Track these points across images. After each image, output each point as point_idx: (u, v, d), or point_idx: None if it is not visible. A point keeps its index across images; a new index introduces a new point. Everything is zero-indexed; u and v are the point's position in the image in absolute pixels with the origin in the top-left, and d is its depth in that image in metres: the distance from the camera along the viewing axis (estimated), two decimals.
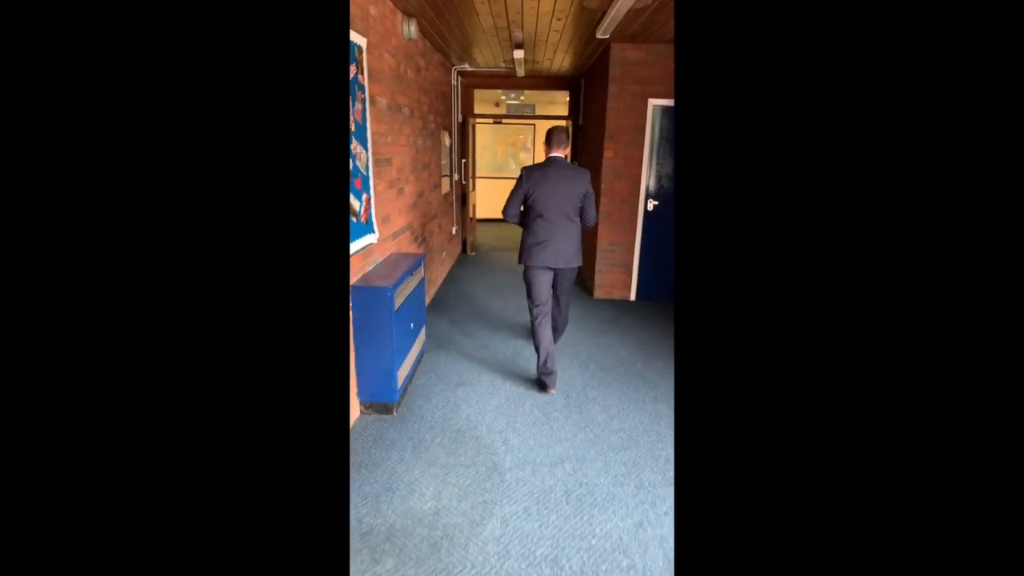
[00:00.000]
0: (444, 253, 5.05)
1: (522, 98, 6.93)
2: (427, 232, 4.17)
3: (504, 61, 4.99)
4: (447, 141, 5.13)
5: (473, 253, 6.36)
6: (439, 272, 4.85)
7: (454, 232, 5.60)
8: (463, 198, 6.24)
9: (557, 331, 2.91)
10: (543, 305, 2.68)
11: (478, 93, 6.92)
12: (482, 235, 7.59)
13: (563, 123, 6.38)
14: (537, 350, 2.70)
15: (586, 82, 5.54)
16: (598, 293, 4.55)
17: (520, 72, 5.21)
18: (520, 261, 2.67)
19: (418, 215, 3.83)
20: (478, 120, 7.56)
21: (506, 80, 6.16)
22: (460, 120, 5.86)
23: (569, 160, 3.99)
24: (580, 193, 2.56)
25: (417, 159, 3.73)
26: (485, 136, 8.63)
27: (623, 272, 4.49)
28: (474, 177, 6.62)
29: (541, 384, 2.75)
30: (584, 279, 5.06)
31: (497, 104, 8.49)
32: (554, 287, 2.72)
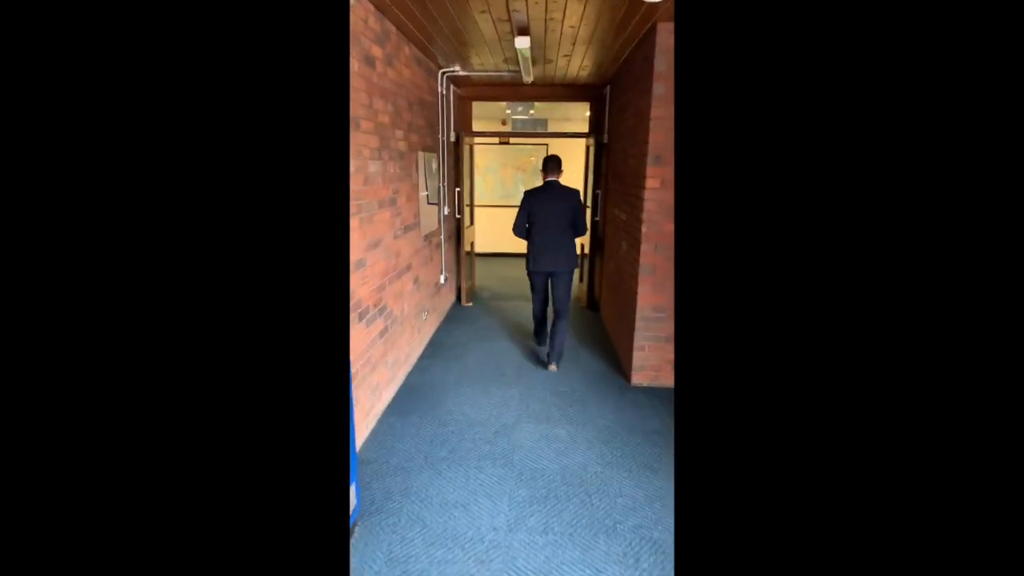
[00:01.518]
0: (425, 315, 3.77)
1: (532, 112, 5.73)
2: (389, 297, 2.89)
3: (506, 59, 3.77)
4: (434, 165, 3.90)
5: (470, 304, 5.05)
6: (413, 344, 3.55)
7: (442, 281, 4.33)
8: (457, 235, 4.98)
9: (557, 326, 3.35)
10: (539, 297, 3.47)
11: (478, 107, 5.73)
12: (484, 276, 6.31)
13: (587, 140, 5.15)
14: (537, 325, 3.62)
15: (613, 90, 4.30)
16: (637, 378, 3.20)
17: (528, 77, 3.99)
18: (527, 266, 3.36)
19: (370, 277, 2.55)
20: (477, 140, 6.37)
21: (511, 90, 4.94)
22: (453, 139, 4.64)
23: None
24: (572, 209, 3.23)
25: (368, 194, 2.47)
26: (489, 158, 7.43)
27: (673, 349, 3.15)
28: (472, 207, 5.38)
29: (546, 360, 3.46)
30: (618, 358, 3.73)
31: (504, 123, 7.31)
32: (553, 287, 3.37)
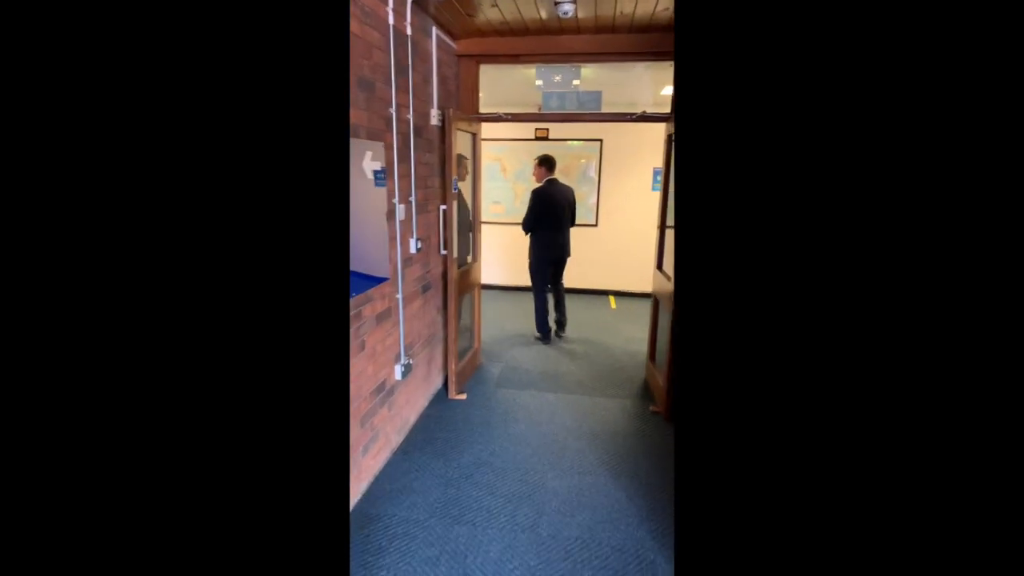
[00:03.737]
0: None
1: (577, 83, 3.72)
2: None
3: None
4: (369, 165, 1.97)
5: (463, 397, 3.04)
6: None
7: (399, 377, 2.38)
8: (444, 283, 3.02)
9: (562, 299, 4.10)
10: (543, 287, 3.94)
11: (498, 82, 3.76)
12: (502, 328, 4.27)
13: (669, 125, 3.06)
14: (538, 311, 3.97)
15: None
16: None
17: (569, 4, 2.00)
18: (535, 253, 3.90)
19: None
20: (488, 132, 4.47)
21: (539, 41, 2.97)
22: (437, 121, 2.70)
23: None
24: (571, 204, 3.92)
25: None
26: (519, 159, 5.45)
27: None
28: (475, 234, 3.40)
29: (552, 334, 4.08)
30: None
31: (539, 109, 5.29)
32: (555, 272, 3.99)
